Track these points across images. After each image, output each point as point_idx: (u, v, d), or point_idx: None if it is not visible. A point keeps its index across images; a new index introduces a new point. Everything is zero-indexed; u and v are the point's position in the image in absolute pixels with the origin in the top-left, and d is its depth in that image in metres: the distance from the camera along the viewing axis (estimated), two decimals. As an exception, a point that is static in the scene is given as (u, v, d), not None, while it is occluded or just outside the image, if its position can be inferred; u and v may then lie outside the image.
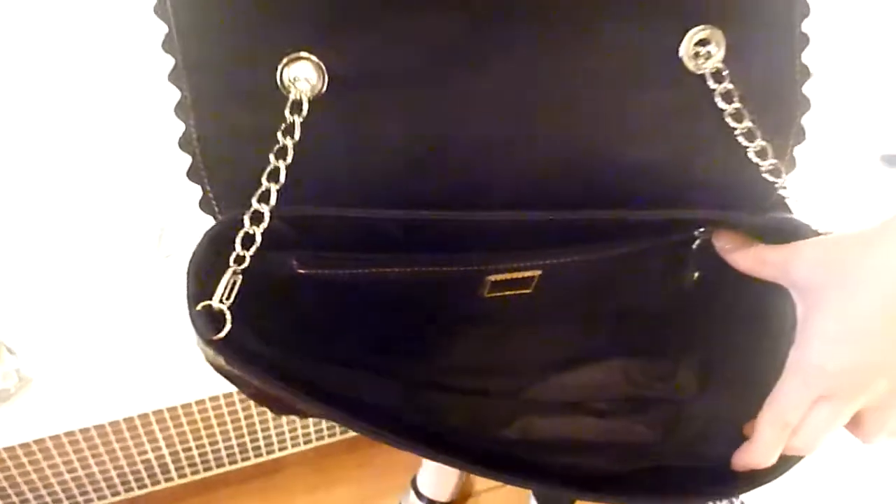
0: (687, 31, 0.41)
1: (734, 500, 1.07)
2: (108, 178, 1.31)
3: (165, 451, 1.40)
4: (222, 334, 0.37)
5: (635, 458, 0.51)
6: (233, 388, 1.28)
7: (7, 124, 1.26)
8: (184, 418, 1.36)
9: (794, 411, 0.40)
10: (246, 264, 0.39)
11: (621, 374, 0.58)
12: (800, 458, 0.44)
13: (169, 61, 0.40)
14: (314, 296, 0.46)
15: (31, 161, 1.29)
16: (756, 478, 0.44)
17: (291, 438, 1.50)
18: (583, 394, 0.57)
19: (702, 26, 0.41)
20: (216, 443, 1.43)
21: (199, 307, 0.37)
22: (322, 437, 1.54)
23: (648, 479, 0.49)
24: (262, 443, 1.48)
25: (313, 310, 0.47)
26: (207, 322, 0.37)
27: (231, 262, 0.39)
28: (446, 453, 0.40)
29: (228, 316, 0.38)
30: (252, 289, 0.40)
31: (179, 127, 0.41)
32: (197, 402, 1.35)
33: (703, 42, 0.42)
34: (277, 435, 1.48)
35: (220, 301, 0.38)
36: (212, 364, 0.44)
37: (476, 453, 0.43)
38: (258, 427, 1.45)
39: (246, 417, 1.42)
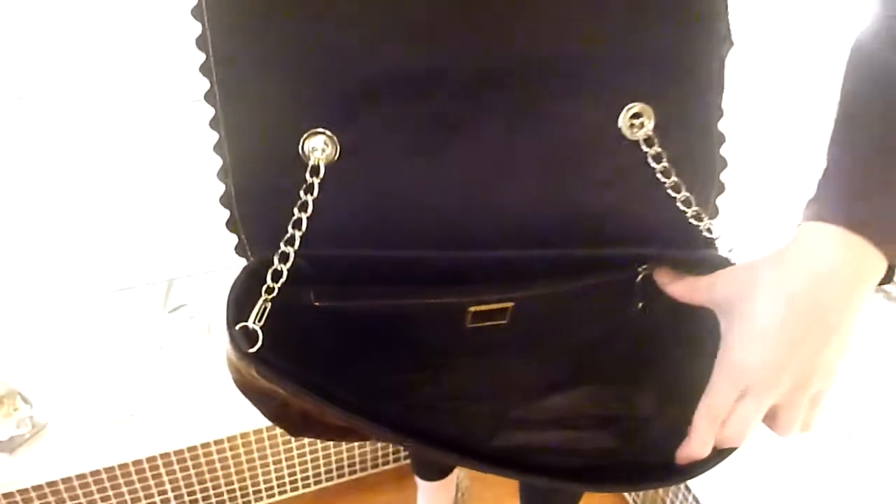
0: (623, 107, 0.52)
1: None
2: (118, 232, 1.40)
3: (171, 495, 1.46)
4: (255, 348, 0.46)
5: (601, 458, 0.61)
6: (236, 430, 1.35)
7: (25, 184, 1.36)
8: (189, 461, 1.43)
9: (722, 406, 0.48)
10: (274, 294, 0.49)
11: (589, 399, 0.67)
12: (731, 450, 0.53)
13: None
14: (327, 325, 0.55)
15: (44, 216, 1.38)
16: (696, 468, 0.53)
17: (290, 483, 1.57)
18: (557, 414, 0.67)
19: (634, 104, 0.52)
20: (219, 486, 1.50)
21: (237, 327, 0.47)
22: (320, 481, 1.61)
23: (611, 471, 0.58)
24: (262, 486, 1.55)
25: (326, 338, 0.56)
26: (243, 339, 0.47)
27: (263, 293, 0.49)
28: (451, 452, 0.49)
29: (260, 334, 0.47)
30: (277, 319, 0.50)
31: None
32: (202, 445, 1.42)
33: (636, 115, 0.52)
34: (277, 479, 1.55)
35: (254, 322, 0.47)
36: (240, 382, 0.53)
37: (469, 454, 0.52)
38: (259, 470, 1.52)
39: (248, 461, 1.49)
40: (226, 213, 0.53)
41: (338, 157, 0.50)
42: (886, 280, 0.47)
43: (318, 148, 0.50)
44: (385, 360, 0.61)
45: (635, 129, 0.52)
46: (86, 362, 1.50)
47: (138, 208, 1.40)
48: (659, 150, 0.53)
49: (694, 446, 0.51)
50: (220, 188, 0.53)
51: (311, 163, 0.50)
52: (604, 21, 0.50)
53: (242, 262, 0.54)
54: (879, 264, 0.45)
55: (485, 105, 0.51)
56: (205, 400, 1.45)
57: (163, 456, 1.41)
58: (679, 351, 0.61)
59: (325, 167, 0.50)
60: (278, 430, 1.48)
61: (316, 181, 0.50)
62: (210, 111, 0.51)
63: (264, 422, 1.40)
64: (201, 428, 1.40)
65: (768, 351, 0.46)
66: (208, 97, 0.50)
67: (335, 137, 0.50)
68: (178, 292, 1.55)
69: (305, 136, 0.50)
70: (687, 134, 0.54)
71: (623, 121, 0.52)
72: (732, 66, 0.55)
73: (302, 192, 0.50)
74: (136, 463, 1.39)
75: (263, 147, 0.50)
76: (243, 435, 1.44)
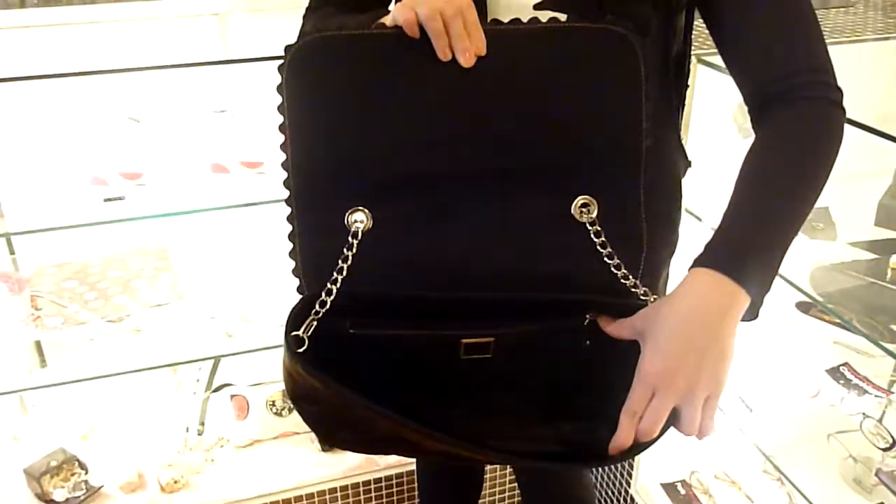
0: (574, 199, 0.73)
1: None
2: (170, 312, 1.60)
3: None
4: (302, 349, 0.67)
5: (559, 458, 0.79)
6: (268, 499, 1.51)
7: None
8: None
9: (638, 406, 0.66)
10: (320, 315, 0.70)
11: (560, 431, 0.83)
12: (648, 443, 0.68)
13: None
14: (359, 350, 0.75)
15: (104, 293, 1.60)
16: (623, 455, 0.69)
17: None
18: (534, 438, 0.84)
19: (583, 196, 0.73)
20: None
21: (291, 334, 0.68)
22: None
23: (563, 458, 0.78)
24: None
25: (358, 360, 0.75)
26: (294, 344, 0.67)
27: (311, 314, 0.70)
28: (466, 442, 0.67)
29: (306, 341, 0.68)
30: (321, 346, 0.70)
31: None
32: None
33: (585, 205, 0.73)
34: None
35: (303, 333, 0.68)
36: (291, 386, 0.70)
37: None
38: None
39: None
40: (290, 265, 0.75)
41: (372, 226, 0.72)
42: (752, 314, 0.67)
43: (359, 220, 0.72)
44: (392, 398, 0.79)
45: (583, 215, 0.73)
46: (136, 433, 1.69)
47: (191, 290, 1.62)
48: (598, 229, 0.73)
49: (620, 438, 0.68)
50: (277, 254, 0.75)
51: (352, 230, 0.72)
52: (562, 143, 0.73)
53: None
54: (744, 300, 0.65)
55: (480, 195, 0.73)
56: (241, 470, 1.62)
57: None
58: (623, 380, 0.78)
59: (362, 233, 0.72)
60: (317, 499, 1.63)
61: (355, 242, 0.72)
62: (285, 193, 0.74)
63: (292, 493, 1.57)
64: (237, 495, 1.57)
65: (665, 360, 0.65)
66: (286, 183, 0.73)
67: (371, 213, 0.72)
68: (223, 370, 1.75)
69: (349, 211, 0.72)
70: (619, 220, 0.74)
71: (574, 209, 0.73)
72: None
73: (344, 250, 0.72)
74: (177, 526, 1.55)
75: (320, 218, 0.73)
76: (273, 504, 1.60)
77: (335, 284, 0.71)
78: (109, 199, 1.35)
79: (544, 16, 0.76)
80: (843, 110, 0.75)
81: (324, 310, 0.70)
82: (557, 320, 0.76)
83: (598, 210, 0.74)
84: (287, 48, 0.71)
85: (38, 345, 1.70)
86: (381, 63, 0.71)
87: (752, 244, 0.67)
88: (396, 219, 0.73)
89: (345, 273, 0.71)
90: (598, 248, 0.74)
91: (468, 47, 0.68)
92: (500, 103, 0.72)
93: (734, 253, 0.67)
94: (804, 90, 0.74)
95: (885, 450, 1.20)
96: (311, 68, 0.71)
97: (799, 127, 0.74)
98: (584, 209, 0.74)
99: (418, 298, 0.73)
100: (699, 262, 0.67)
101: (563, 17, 0.77)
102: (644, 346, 0.67)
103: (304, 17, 0.90)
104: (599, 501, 1.74)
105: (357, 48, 0.71)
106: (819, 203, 1.35)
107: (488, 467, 1.69)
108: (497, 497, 1.81)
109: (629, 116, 0.73)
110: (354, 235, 0.72)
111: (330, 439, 0.79)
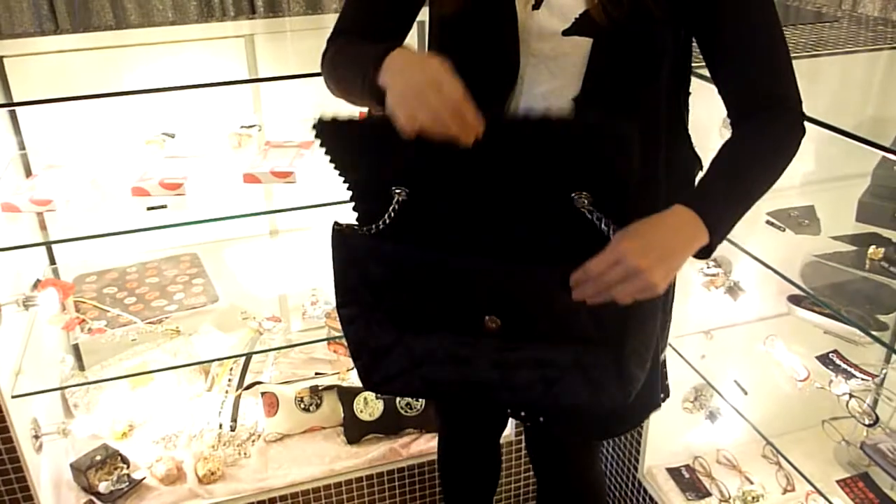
0: (573, 191, 0.84)
1: None
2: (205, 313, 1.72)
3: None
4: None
5: None
6: (297, 489, 1.60)
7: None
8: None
9: (597, 266, 0.80)
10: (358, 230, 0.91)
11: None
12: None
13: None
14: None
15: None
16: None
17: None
18: None
19: (584, 192, 0.84)
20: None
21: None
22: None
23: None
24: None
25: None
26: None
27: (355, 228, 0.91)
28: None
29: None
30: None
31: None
32: (269, 501, 1.68)
33: (581, 196, 0.84)
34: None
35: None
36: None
37: None
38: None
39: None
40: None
41: (408, 197, 0.89)
42: (704, 254, 0.84)
43: (400, 194, 0.89)
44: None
45: (582, 202, 0.85)
46: (174, 429, 1.80)
47: (226, 292, 1.73)
48: (598, 214, 0.84)
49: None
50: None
51: (395, 199, 0.90)
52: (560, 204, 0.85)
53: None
54: (704, 238, 0.83)
55: (496, 192, 0.86)
56: (272, 462, 1.73)
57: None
58: None
59: (403, 201, 0.90)
60: (344, 488, 1.73)
61: (396, 207, 0.90)
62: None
63: (320, 483, 1.67)
64: (269, 485, 1.68)
65: (644, 240, 0.80)
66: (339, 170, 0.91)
67: (409, 191, 0.89)
68: (253, 368, 1.86)
69: (393, 188, 0.90)
70: (608, 207, 0.85)
71: (576, 200, 0.85)
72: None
73: (390, 210, 0.90)
74: (215, 514, 1.66)
75: (370, 193, 0.92)
76: (304, 493, 1.70)
77: (379, 227, 0.92)
78: (152, 208, 1.45)
79: (572, 41, 0.91)
80: (804, 125, 0.92)
81: (365, 231, 0.95)
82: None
83: (592, 200, 0.85)
84: (314, 126, 0.87)
85: (76, 348, 1.82)
86: (390, 138, 0.82)
87: (721, 203, 0.86)
88: (429, 197, 0.90)
89: (388, 221, 0.91)
90: (602, 227, 0.85)
91: (469, 136, 0.79)
92: (502, 173, 0.85)
93: (708, 204, 0.84)
94: (775, 108, 0.92)
95: (868, 426, 1.30)
96: (334, 139, 0.90)
97: (767, 133, 0.91)
98: (584, 200, 0.85)
99: (438, 258, 0.91)
100: (680, 202, 0.83)
101: (588, 40, 0.90)
102: (622, 235, 0.81)
103: (328, 42, 1.02)
104: (609, 487, 1.84)
105: (368, 130, 0.89)
106: (805, 202, 1.47)
107: (504, 456, 1.79)
108: (513, 487, 1.91)
109: (620, 188, 0.84)
110: (396, 202, 0.90)
111: (370, 373, 0.98)
